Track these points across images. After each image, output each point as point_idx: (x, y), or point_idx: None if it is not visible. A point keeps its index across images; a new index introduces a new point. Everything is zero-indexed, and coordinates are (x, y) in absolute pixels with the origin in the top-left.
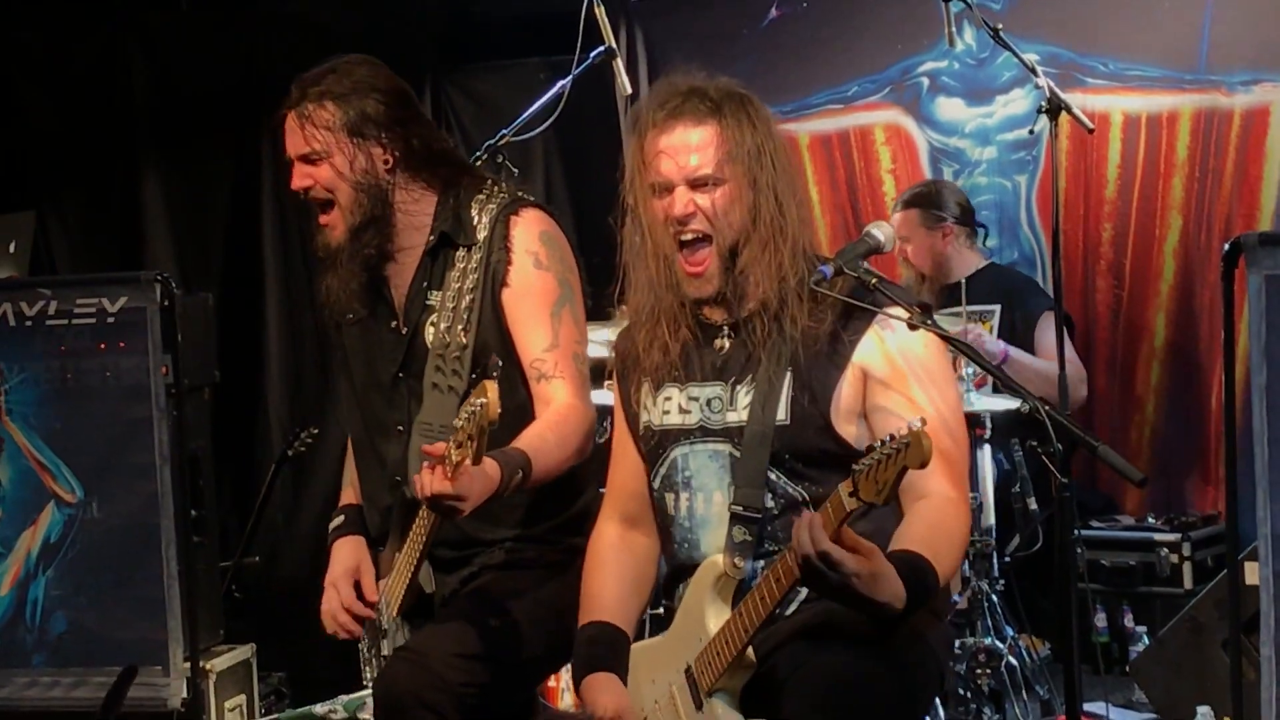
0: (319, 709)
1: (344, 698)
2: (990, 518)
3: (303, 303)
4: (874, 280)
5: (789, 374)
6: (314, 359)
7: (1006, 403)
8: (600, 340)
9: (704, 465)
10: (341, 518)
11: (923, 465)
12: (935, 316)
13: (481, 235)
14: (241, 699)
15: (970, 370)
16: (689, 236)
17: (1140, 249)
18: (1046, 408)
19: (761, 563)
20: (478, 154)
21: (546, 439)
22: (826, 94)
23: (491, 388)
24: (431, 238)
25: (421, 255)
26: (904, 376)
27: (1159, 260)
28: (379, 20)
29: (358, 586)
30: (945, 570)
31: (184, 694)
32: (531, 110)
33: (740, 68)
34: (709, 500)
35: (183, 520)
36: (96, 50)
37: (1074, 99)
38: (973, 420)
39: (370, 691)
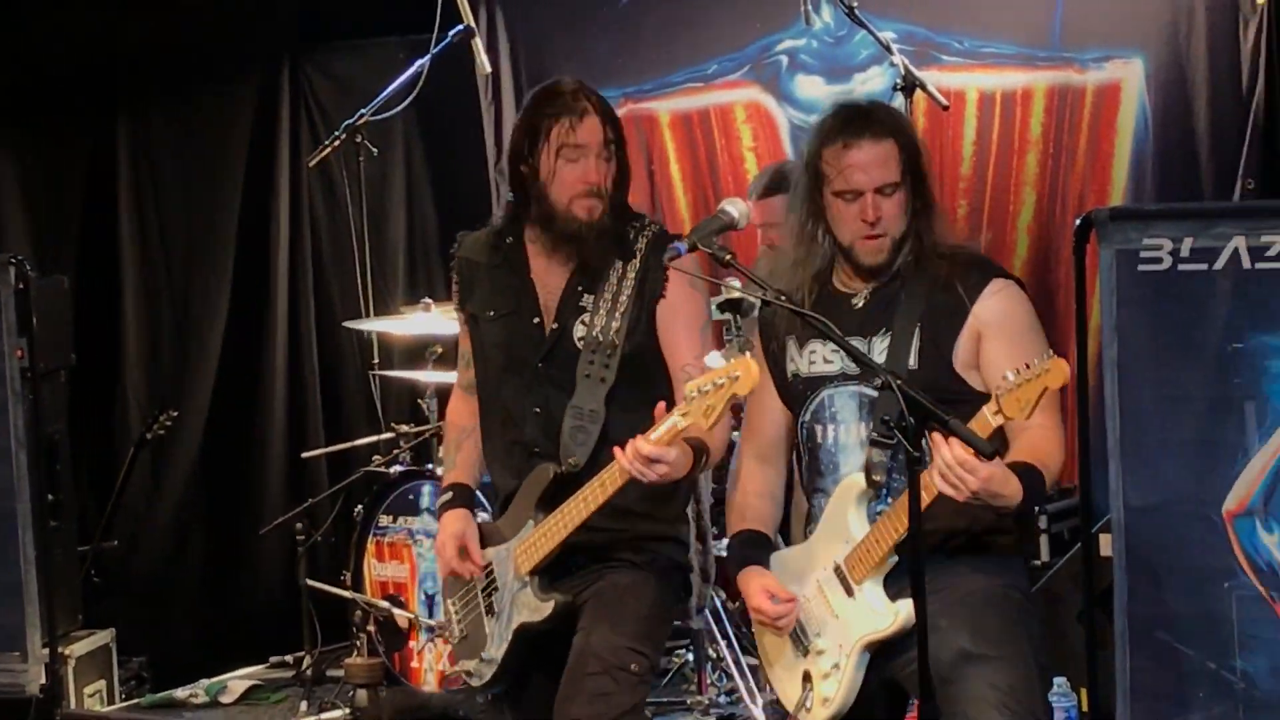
0: (180, 693)
1: (205, 681)
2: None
3: (160, 285)
4: (727, 257)
5: (918, 328)
6: (172, 341)
7: None
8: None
9: (846, 403)
10: (450, 494)
11: (1062, 386)
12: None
13: (640, 254)
14: (101, 684)
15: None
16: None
17: (995, 225)
18: (898, 381)
19: (896, 475)
20: (336, 134)
21: (704, 441)
22: (687, 72)
23: (753, 365)
24: (598, 253)
25: (579, 263)
26: (1009, 332)
27: (1013, 236)
28: (236, 1)
29: (463, 551)
30: (1051, 476)
31: (42, 679)
32: (390, 90)
33: (600, 47)
34: (849, 430)
35: (39, 504)
36: None
37: (929, 77)
38: None
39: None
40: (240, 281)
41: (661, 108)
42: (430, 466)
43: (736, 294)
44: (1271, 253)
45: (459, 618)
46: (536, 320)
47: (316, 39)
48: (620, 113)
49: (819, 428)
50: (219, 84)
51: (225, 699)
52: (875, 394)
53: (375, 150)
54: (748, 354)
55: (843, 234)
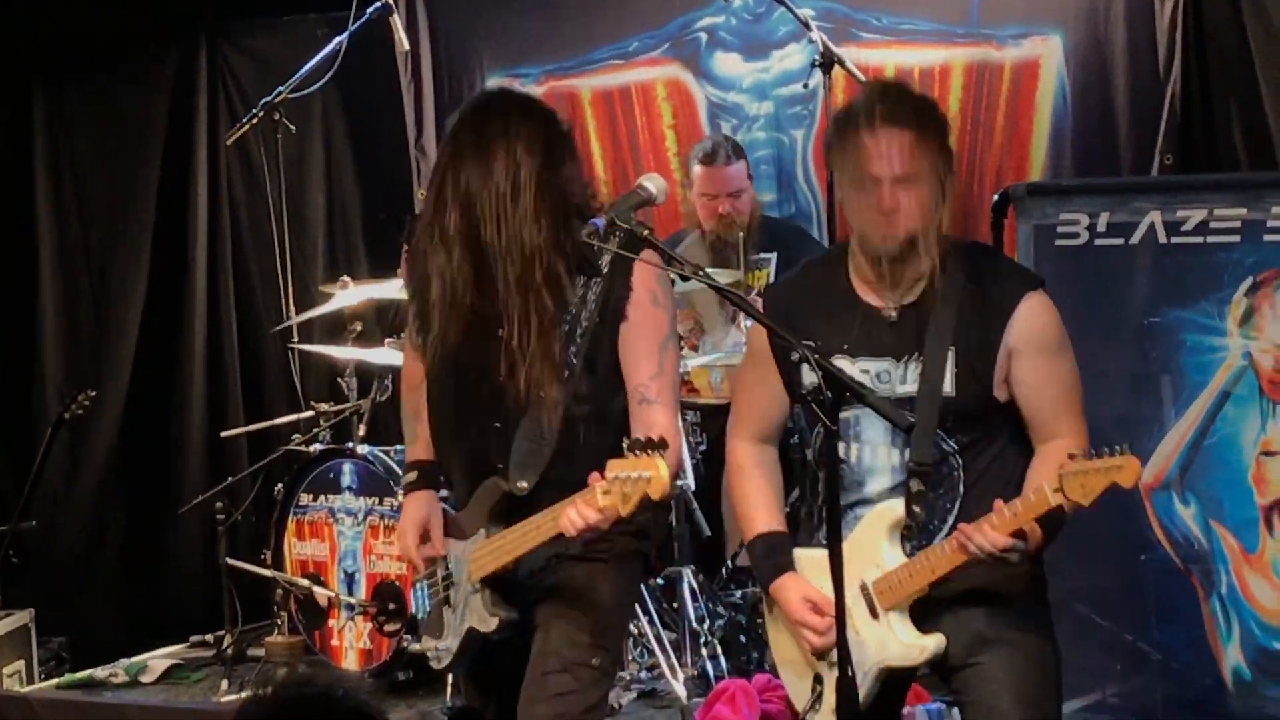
0: (100, 673)
1: (125, 661)
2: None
3: (78, 264)
4: (645, 232)
5: (951, 351)
6: (90, 320)
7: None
8: (386, 294)
9: (873, 424)
10: (415, 473)
11: (1133, 487)
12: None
13: (604, 269)
14: (20, 664)
15: (749, 324)
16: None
17: None
18: (817, 356)
19: (932, 510)
20: (254, 111)
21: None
22: (608, 49)
23: (663, 465)
24: (562, 268)
25: (544, 277)
26: (1043, 352)
27: None
28: None
29: (425, 535)
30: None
31: None
32: (308, 67)
33: (521, 24)
34: (875, 452)
35: None
36: None
37: (848, 53)
38: None
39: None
40: (159, 260)
41: (583, 85)
42: (350, 445)
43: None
44: (1187, 227)
45: (425, 595)
46: (500, 332)
47: (234, 15)
48: (541, 91)
49: (843, 445)
50: (136, 61)
51: (145, 678)
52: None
53: (294, 128)
54: (658, 459)
55: (854, 220)
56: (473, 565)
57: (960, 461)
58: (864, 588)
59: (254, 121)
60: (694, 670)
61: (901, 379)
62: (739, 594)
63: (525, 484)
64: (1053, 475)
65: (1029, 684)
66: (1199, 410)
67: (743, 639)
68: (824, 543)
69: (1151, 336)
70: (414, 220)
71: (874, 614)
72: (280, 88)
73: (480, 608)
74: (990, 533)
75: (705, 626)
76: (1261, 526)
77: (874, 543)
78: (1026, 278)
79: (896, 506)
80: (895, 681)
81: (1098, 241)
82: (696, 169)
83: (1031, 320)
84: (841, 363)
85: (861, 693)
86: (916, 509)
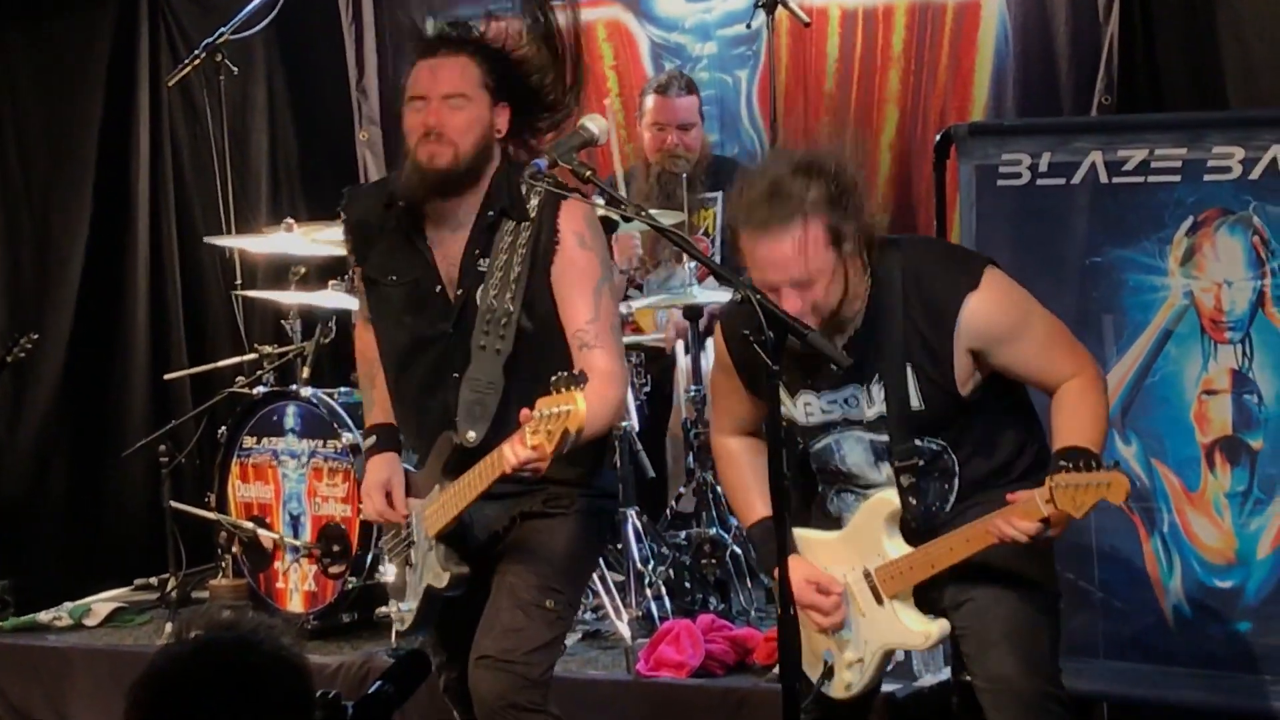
0: (43, 616)
1: (69, 604)
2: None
3: (19, 206)
4: (588, 173)
5: (908, 367)
6: (32, 264)
7: (728, 295)
8: (326, 239)
9: (854, 447)
10: (374, 437)
11: (1124, 501)
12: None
13: (532, 213)
14: None
15: (693, 264)
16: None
17: (858, 142)
18: (758, 296)
19: (929, 494)
20: (196, 53)
21: (593, 403)
22: None
23: (581, 399)
24: (491, 213)
25: (475, 225)
26: (1005, 338)
27: (876, 154)
28: None
29: (389, 497)
30: (1102, 442)
31: None
32: (250, 8)
33: None
34: (863, 471)
35: None
36: None
37: None
38: (695, 312)
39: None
40: (101, 203)
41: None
42: (294, 387)
43: (601, 212)
44: (1128, 167)
45: (390, 559)
46: (439, 288)
47: None
48: None
49: (829, 461)
50: (77, 2)
51: (90, 622)
52: (887, 438)
53: (236, 69)
54: (576, 393)
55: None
56: (427, 522)
57: (951, 453)
58: (867, 574)
59: (196, 63)
60: (638, 611)
61: (869, 400)
62: (683, 535)
63: (474, 435)
64: (1074, 423)
65: (1019, 614)
66: (1140, 349)
67: (686, 580)
68: (823, 521)
69: (1093, 276)
70: (352, 190)
71: (879, 600)
72: (222, 29)
73: (435, 564)
74: (1020, 521)
75: (650, 568)
76: (1203, 465)
77: (874, 533)
78: (964, 274)
79: (892, 497)
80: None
81: (1039, 181)
82: (649, 100)
83: (979, 323)
84: (808, 397)
85: (867, 674)
86: (913, 500)
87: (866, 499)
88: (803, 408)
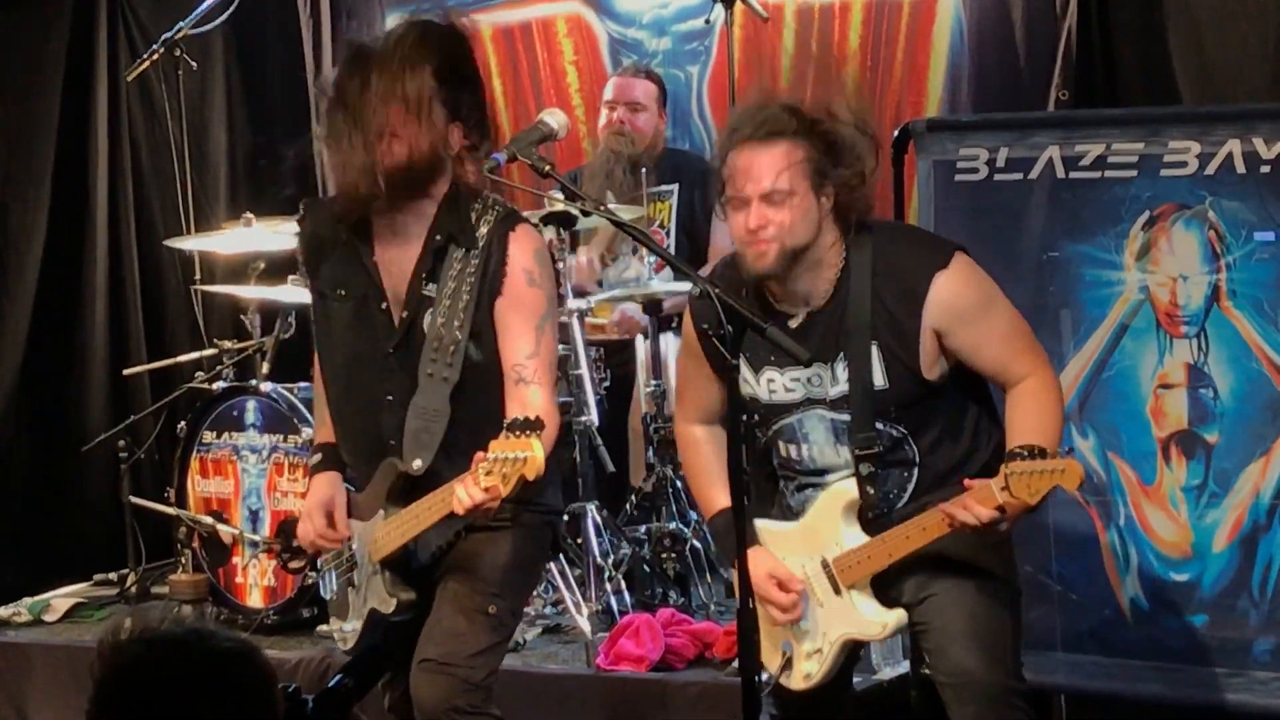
0: (2, 612)
1: (28, 600)
2: (674, 403)
3: None
4: (546, 168)
5: (874, 345)
6: None
7: (687, 287)
8: (287, 232)
9: (815, 426)
10: (319, 455)
11: (1078, 488)
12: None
13: (480, 241)
14: None
15: (652, 258)
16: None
17: None
18: (716, 290)
19: (888, 482)
20: (154, 47)
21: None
22: None
23: (538, 445)
24: (439, 237)
25: (424, 249)
26: (968, 321)
27: None
28: None
29: (330, 517)
30: (1057, 444)
31: None
32: (209, 3)
33: None
34: (823, 452)
35: None
36: None
37: None
38: (655, 305)
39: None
40: (59, 198)
41: (484, 21)
42: (254, 382)
43: (561, 207)
44: (1085, 162)
45: (330, 577)
46: (384, 306)
47: None
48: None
49: (789, 446)
50: None
51: (49, 617)
52: (848, 418)
53: (195, 64)
54: (533, 440)
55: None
56: (372, 547)
57: (912, 443)
58: (825, 564)
59: (154, 57)
60: (598, 605)
61: (833, 379)
62: (643, 529)
63: (419, 463)
64: (1030, 421)
65: (980, 608)
66: (1097, 344)
67: (646, 574)
68: (783, 514)
69: (1050, 270)
70: (310, 202)
71: (836, 590)
72: (181, 23)
73: (380, 589)
74: (975, 506)
75: (609, 561)
76: (1159, 459)
77: (832, 523)
78: (935, 255)
79: (850, 488)
80: (853, 649)
81: (997, 177)
82: (610, 83)
83: (945, 300)
84: (772, 374)
85: (825, 664)
86: (870, 490)
87: (826, 489)
88: (766, 385)
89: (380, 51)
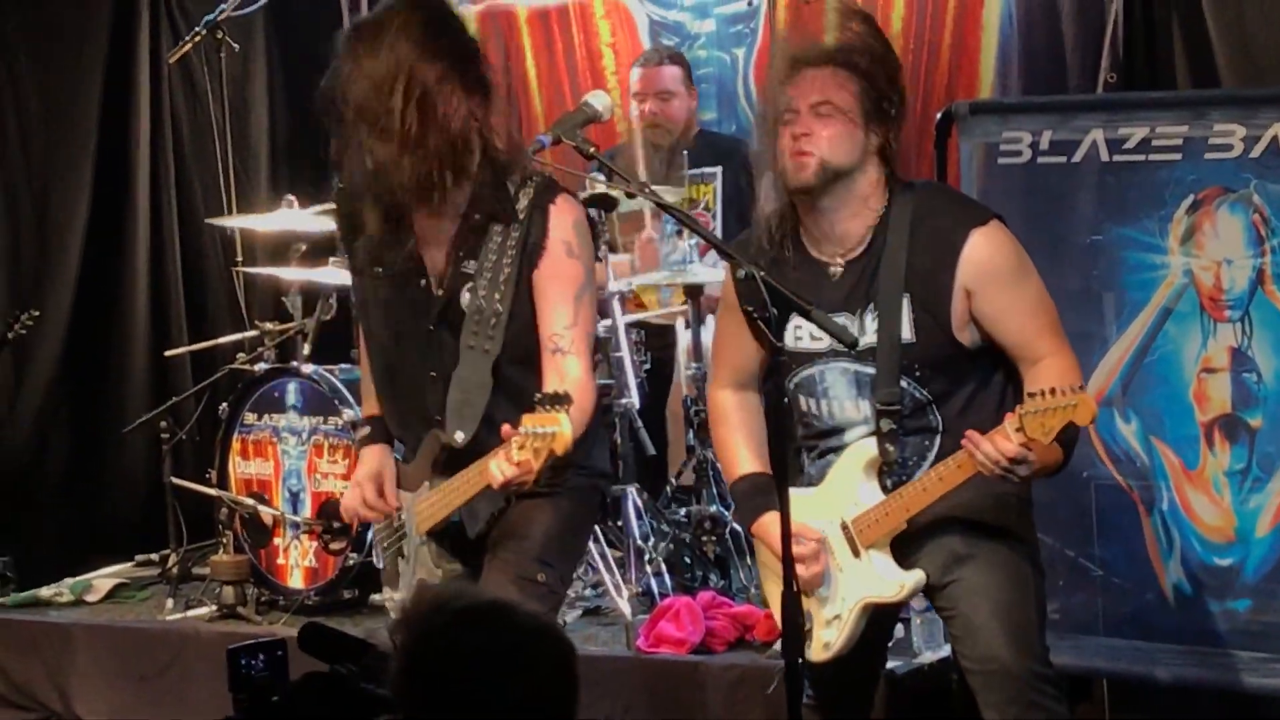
0: (45, 592)
1: (70, 580)
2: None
3: (19, 184)
4: (591, 149)
5: (906, 298)
6: (32, 241)
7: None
8: (328, 215)
9: (837, 380)
10: (368, 428)
11: (1091, 422)
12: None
13: (521, 214)
14: None
15: (694, 240)
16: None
17: None
18: (761, 274)
19: (907, 448)
20: (197, 29)
21: (574, 417)
22: None
23: (566, 421)
24: (478, 216)
25: (462, 226)
26: (999, 284)
27: None
28: None
29: (380, 489)
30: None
31: None
32: None
33: None
34: (842, 407)
35: None
36: None
37: None
38: (697, 290)
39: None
40: (101, 180)
41: (520, 3)
42: (295, 364)
43: (602, 189)
44: (1129, 145)
45: (383, 548)
46: (424, 283)
47: None
48: (478, 9)
49: (809, 400)
50: None
51: (91, 598)
52: (873, 371)
53: (237, 46)
54: (561, 415)
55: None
56: (418, 518)
57: (936, 411)
58: (844, 526)
59: (196, 39)
60: (638, 588)
61: (861, 330)
62: (683, 512)
63: (462, 435)
64: (1050, 380)
65: (1006, 594)
66: (1140, 327)
67: (686, 557)
68: (804, 483)
69: (1094, 254)
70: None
71: (855, 552)
72: (223, 5)
73: (427, 560)
74: (1001, 441)
75: (649, 544)
76: (1202, 443)
77: (851, 482)
78: (974, 214)
79: (870, 446)
80: (880, 617)
81: (1040, 160)
82: (632, 74)
83: (980, 257)
84: (798, 320)
85: (845, 630)
86: (890, 447)
87: (845, 450)
88: (792, 331)
89: (369, 50)
